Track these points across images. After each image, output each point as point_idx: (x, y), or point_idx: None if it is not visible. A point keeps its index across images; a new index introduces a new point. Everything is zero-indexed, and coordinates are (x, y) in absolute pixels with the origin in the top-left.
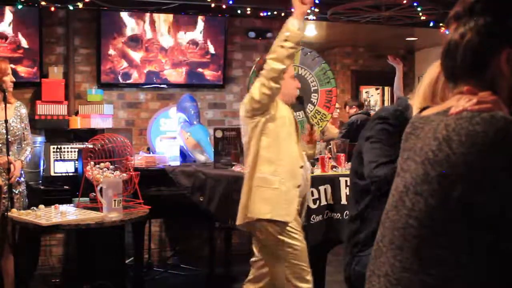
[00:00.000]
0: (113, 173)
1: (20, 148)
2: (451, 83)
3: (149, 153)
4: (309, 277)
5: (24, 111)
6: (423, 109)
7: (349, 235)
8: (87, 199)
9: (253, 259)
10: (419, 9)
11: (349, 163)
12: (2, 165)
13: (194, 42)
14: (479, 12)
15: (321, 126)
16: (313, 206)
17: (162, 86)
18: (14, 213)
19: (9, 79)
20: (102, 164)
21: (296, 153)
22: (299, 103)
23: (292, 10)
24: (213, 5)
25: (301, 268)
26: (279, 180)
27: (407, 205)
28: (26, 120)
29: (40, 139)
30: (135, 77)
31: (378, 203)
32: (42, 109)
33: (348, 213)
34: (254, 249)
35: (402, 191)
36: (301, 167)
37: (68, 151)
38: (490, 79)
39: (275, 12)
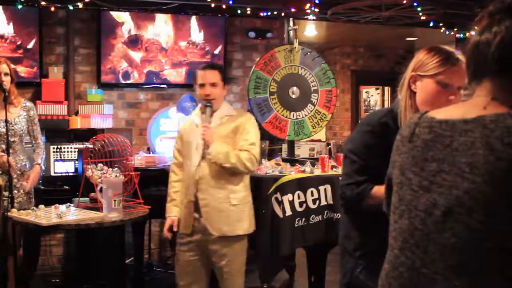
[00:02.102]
0: (116, 175)
1: (31, 149)
2: (475, 80)
3: (149, 153)
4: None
5: (33, 111)
6: (424, 112)
7: (347, 237)
8: (87, 199)
9: None
10: (419, 9)
11: None
12: (1, 164)
13: (194, 42)
14: None
15: (321, 126)
16: (313, 206)
17: (162, 86)
18: (14, 213)
19: (8, 79)
20: (100, 165)
21: (191, 168)
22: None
23: (292, 10)
24: (213, 5)
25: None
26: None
27: (473, 227)
28: (35, 120)
29: None
30: (135, 77)
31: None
32: (42, 109)
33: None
34: None
35: (450, 211)
36: (194, 181)
37: (68, 151)
38: None
39: (275, 12)
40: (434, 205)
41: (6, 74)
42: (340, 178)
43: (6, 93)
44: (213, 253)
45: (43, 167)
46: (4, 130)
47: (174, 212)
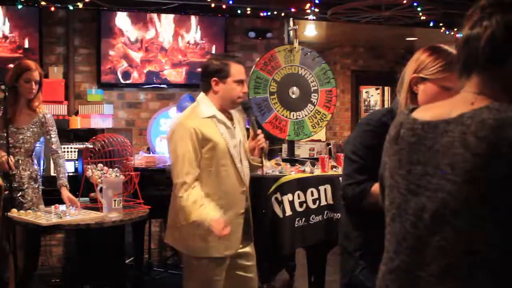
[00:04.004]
0: (116, 175)
1: (39, 149)
2: (464, 74)
3: (149, 153)
4: None
5: (50, 124)
6: (412, 109)
7: (347, 237)
8: (87, 199)
9: None
10: (419, 9)
11: None
12: (1, 164)
13: (194, 42)
14: (509, 6)
15: (321, 126)
16: (313, 206)
17: (162, 86)
18: (14, 213)
19: (36, 87)
20: (100, 165)
21: (235, 178)
22: (243, 109)
23: (292, 10)
24: (213, 5)
25: None
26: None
27: (460, 229)
28: (52, 132)
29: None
30: (135, 77)
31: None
32: None
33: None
34: None
35: (437, 214)
36: (243, 191)
37: (68, 151)
38: (507, 73)
39: (275, 12)
40: (423, 209)
41: (36, 82)
42: (340, 179)
43: (6, 93)
44: (240, 263)
45: (67, 187)
46: (20, 137)
47: (217, 212)
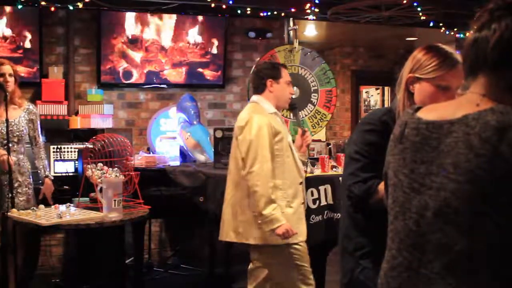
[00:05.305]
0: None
1: (35, 153)
2: (470, 76)
3: (149, 153)
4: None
5: (35, 115)
6: (417, 109)
7: (347, 237)
8: (87, 199)
9: (251, 266)
10: (419, 9)
11: None
12: (1, 163)
13: (194, 42)
14: None
15: (321, 126)
16: (313, 206)
17: (162, 86)
18: (14, 213)
19: (12, 80)
20: (100, 165)
21: (295, 169)
22: (291, 109)
23: (292, 10)
24: (213, 5)
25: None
26: (285, 204)
27: (462, 227)
28: (37, 124)
29: None
30: (135, 77)
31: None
32: (42, 109)
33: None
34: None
35: (439, 212)
36: (300, 183)
37: (68, 151)
38: None
39: (275, 12)
40: (425, 207)
41: (10, 75)
42: (341, 179)
43: (7, 93)
44: None
45: (52, 177)
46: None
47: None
